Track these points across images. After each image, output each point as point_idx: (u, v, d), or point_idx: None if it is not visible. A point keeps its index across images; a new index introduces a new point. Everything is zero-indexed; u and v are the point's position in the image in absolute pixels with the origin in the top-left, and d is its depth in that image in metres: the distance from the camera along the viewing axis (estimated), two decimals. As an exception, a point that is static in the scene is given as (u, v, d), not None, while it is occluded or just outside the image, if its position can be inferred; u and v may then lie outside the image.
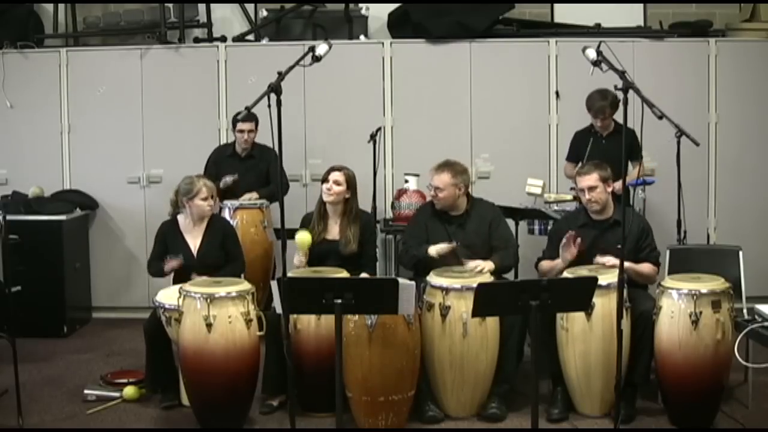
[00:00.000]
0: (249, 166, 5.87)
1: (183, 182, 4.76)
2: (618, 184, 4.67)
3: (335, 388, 3.61)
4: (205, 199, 4.69)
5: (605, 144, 5.38)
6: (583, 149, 5.45)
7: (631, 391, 4.29)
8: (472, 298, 3.65)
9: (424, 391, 4.31)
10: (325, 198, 4.69)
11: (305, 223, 4.75)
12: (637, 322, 4.26)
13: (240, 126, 5.75)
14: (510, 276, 4.98)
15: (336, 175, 4.66)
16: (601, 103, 5.29)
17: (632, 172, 5.19)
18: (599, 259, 4.42)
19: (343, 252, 4.66)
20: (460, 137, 6.26)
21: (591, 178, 4.50)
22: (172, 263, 4.59)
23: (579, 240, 4.45)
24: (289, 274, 3.75)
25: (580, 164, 5.06)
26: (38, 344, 5.60)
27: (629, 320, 4.23)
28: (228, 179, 5.72)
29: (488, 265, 4.51)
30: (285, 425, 4.12)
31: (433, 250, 4.55)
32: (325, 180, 4.68)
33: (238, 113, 5.74)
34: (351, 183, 4.70)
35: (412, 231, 4.83)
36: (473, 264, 4.51)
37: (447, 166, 4.68)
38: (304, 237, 4.56)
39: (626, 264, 4.20)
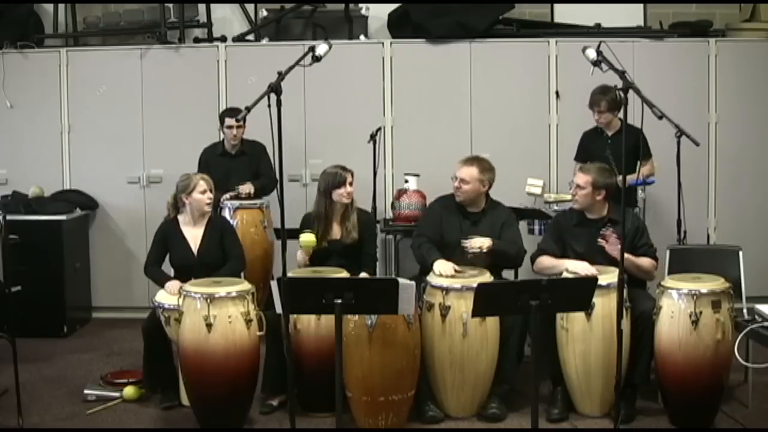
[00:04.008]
0: (243, 163, 5.88)
1: (180, 180, 4.76)
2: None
3: (335, 388, 3.61)
4: (203, 192, 4.67)
5: (611, 144, 5.36)
6: (591, 149, 5.44)
7: (631, 391, 4.29)
8: (472, 298, 3.65)
9: (424, 391, 4.30)
10: (343, 201, 4.68)
11: (305, 223, 4.74)
12: (637, 322, 4.26)
13: (228, 122, 5.76)
14: (510, 276, 4.98)
15: (350, 178, 4.68)
16: (598, 96, 5.30)
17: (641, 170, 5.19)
18: (603, 241, 4.39)
19: (345, 242, 4.68)
20: (460, 137, 6.25)
21: (583, 179, 4.48)
22: (173, 287, 4.45)
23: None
24: (290, 274, 3.75)
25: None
26: (38, 344, 5.60)
27: (629, 320, 4.23)
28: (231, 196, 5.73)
29: (486, 241, 4.50)
30: (285, 425, 4.12)
31: (438, 269, 4.41)
32: (341, 185, 4.65)
33: (228, 109, 5.84)
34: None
35: (428, 221, 4.80)
36: (472, 241, 4.50)
37: (476, 160, 4.69)
38: (309, 239, 4.55)
39: (626, 255, 4.20)
